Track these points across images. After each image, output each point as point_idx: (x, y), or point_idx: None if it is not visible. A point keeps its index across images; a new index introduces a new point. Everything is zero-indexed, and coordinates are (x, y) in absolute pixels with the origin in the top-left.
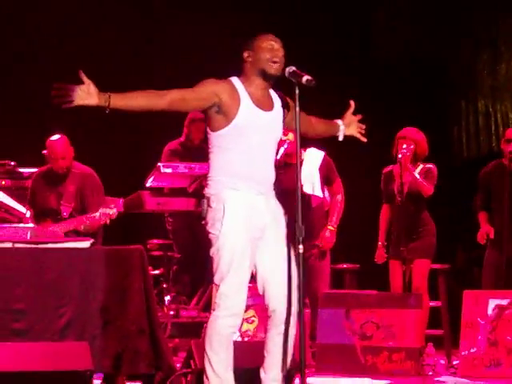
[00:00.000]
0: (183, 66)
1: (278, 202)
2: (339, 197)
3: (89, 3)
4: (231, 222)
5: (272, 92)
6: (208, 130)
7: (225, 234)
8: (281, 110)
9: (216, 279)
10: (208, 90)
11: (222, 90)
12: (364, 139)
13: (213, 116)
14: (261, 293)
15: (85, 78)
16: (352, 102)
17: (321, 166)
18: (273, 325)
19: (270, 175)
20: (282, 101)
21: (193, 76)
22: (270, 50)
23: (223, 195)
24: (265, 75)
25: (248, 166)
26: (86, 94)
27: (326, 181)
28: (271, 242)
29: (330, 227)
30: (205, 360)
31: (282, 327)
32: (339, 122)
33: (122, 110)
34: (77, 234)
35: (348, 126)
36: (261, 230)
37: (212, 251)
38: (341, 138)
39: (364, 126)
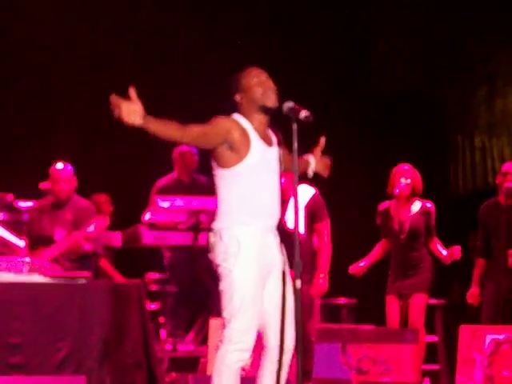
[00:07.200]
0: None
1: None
2: (326, 239)
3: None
4: (246, 256)
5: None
6: (217, 166)
7: (239, 268)
8: (277, 145)
9: (227, 313)
10: (221, 126)
11: (234, 127)
12: (326, 175)
13: (224, 153)
14: (260, 330)
15: (133, 96)
16: (323, 139)
17: (308, 202)
18: (269, 361)
19: (277, 211)
20: (276, 136)
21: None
22: (260, 84)
23: (236, 230)
24: (265, 109)
25: (258, 202)
26: (133, 112)
27: (312, 219)
28: (275, 279)
29: (321, 275)
30: None
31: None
32: (310, 158)
33: (151, 133)
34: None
35: (317, 163)
36: (270, 266)
37: (223, 285)
38: (310, 175)
39: (329, 162)
